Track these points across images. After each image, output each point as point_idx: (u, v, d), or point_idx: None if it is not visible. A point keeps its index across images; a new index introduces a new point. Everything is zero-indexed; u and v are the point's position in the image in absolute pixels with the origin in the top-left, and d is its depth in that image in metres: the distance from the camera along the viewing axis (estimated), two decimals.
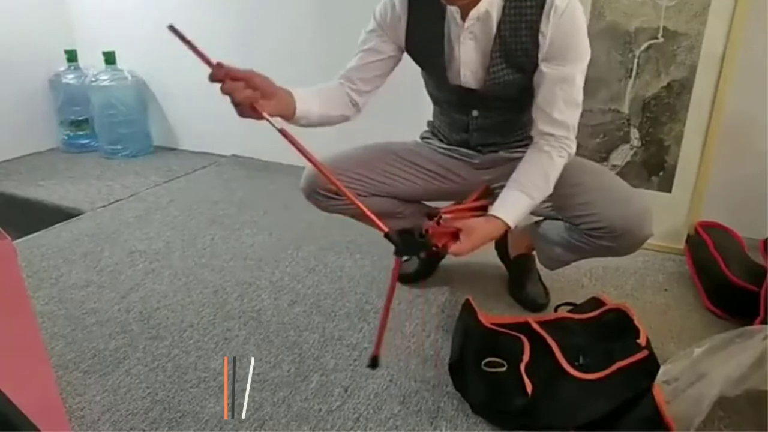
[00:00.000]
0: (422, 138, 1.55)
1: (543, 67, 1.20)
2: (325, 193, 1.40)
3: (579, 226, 1.30)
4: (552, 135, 1.22)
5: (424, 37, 1.30)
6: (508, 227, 1.19)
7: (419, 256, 1.60)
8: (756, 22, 1.70)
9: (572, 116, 1.22)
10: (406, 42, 1.32)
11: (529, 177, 1.22)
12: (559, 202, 1.33)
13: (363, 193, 1.39)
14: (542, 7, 1.16)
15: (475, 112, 1.36)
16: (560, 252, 1.44)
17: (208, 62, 1.05)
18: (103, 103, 2.90)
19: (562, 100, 1.20)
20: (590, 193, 1.28)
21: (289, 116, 1.22)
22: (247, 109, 1.09)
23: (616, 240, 1.27)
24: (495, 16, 1.20)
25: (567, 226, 1.36)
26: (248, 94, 1.07)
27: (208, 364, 1.36)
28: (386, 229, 1.00)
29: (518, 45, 1.21)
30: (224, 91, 1.06)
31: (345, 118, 1.35)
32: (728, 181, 1.87)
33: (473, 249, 1.16)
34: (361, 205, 1.02)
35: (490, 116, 1.36)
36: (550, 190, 1.23)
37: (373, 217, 1.01)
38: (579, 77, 1.20)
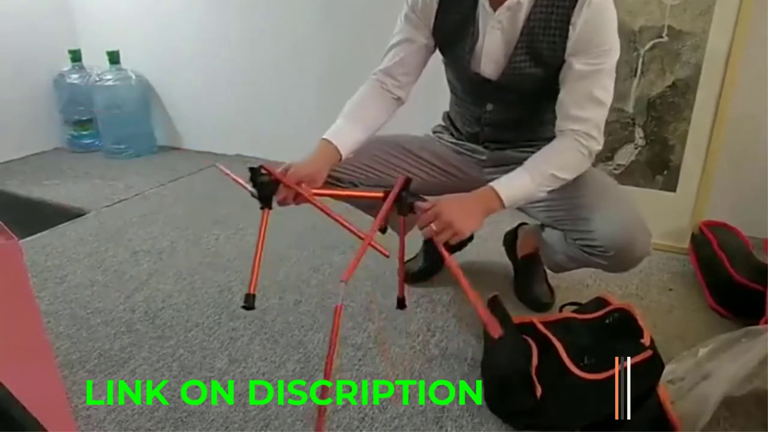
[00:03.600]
0: (434, 132, 1.55)
1: (569, 60, 1.19)
2: (329, 180, 1.35)
3: (576, 241, 1.29)
4: (572, 130, 1.20)
5: (452, 22, 1.29)
6: (501, 200, 1.16)
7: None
8: (761, 21, 1.70)
9: (595, 113, 1.19)
10: (434, 26, 1.32)
11: (538, 160, 1.21)
12: (558, 214, 1.32)
13: (368, 183, 1.40)
14: None
15: (489, 106, 1.36)
16: (562, 259, 1.43)
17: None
18: (107, 102, 2.91)
19: (584, 96, 1.18)
20: (589, 209, 1.25)
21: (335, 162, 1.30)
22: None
23: (609, 259, 1.26)
24: (526, 6, 1.18)
25: (565, 236, 1.35)
26: (299, 198, 1.25)
27: (213, 364, 1.36)
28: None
29: (546, 38, 1.19)
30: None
31: (392, 115, 1.39)
32: (733, 181, 1.86)
33: (456, 211, 1.11)
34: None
35: (503, 111, 1.35)
36: (556, 180, 1.20)
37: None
38: (605, 75, 1.18)
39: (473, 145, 1.45)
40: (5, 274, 0.87)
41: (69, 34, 3.07)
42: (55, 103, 3.05)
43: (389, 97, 1.36)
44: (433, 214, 1.11)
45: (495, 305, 1.41)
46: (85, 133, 3.10)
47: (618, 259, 1.25)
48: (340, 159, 1.28)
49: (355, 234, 1.20)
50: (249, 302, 1.15)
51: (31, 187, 2.57)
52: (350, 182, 1.39)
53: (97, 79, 2.90)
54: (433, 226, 1.11)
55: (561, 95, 1.21)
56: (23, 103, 2.95)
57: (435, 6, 1.29)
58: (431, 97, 1.60)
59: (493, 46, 1.25)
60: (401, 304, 1.40)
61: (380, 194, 1.19)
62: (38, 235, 2.07)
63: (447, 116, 1.54)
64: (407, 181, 1.17)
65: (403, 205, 1.18)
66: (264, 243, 1.20)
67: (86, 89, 2.95)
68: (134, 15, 2.93)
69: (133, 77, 2.93)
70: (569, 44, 1.17)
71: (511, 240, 1.72)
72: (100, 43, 2.92)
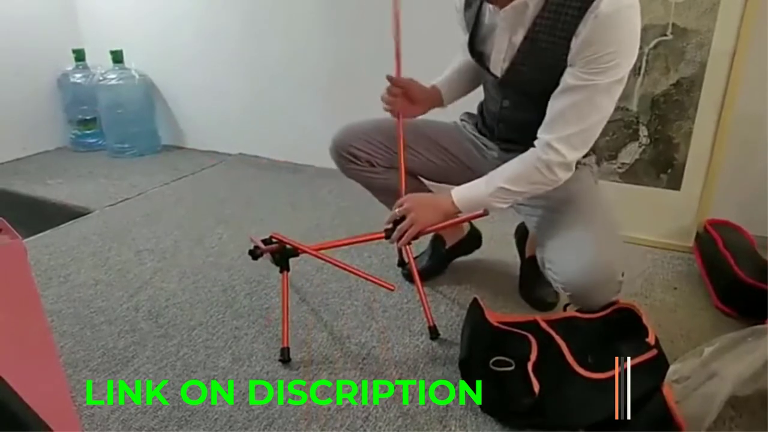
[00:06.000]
0: (461, 119, 1.57)
1: (567, 69, 1.14)
2: (347, 155, 1.49)
3: (544, 267, 1.28)
4: (540, 142, 1.17)
5: (471, 15, 1.31)
6: (454, 205, 1.24)
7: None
8: (766, 19, 1.69)
9: (572, 128, 1.14)
10: (463, 19, 1.36)
11: (497, 171, 1.23)
12: (536, 223, 1.36)
13: (384, 163, 1.48)
14: (586, 8, 1.07)
15: (506, 102, 1.36)
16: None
17: None
18: (110, 102, 2.92)
19: (565, 108, 1.14)
20: (557, 238, 1.23)
21: (440, 106, 1.48)
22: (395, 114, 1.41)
23: (570, 298, 1.28)
24: (532, 9, 1.15)
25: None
26: (400, 105, 1.40)
27: (216, 363, 1.36)
28: None
29: (549, 45, 1.14)
30: (385, 100, 1.40)
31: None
32: (738, 179, 1.86)
33: (414, 203, 1.26)
34: None
35: (517, 110, 1.34)
36: (508, 193, 1.20)
37: None
38: (599, 91, 1.11)
39: (489, 141, 1.45)
40: (10, 273, 0.87)
41: (72, 33, 3.08)
42: (58, 102, 3.06)
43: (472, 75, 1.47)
44: (400, 213, 1.27)
45: (474, 304, 1.43)
46: (88, 132, 3.11)
47: (574, 299, 1.26)
48: (442, 105, 1.47)
49: (374, 281, 1.45)
50: (285, 356, 1.36)
51: (35, 187, 2.57)
52: (367, 161, 1.48)
53: (101, 78, 2.90)
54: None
55: (549, 102, 1.18)
56: (27, 103, 2.96)
57: (462, 4, 1.34)
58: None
59: (500, 45, 1.25)
60: (434, 333, 1.44)
61: (381, 234, 1.33)
62: (42, 234, 2.07)
63: (479, 106, 1.54)
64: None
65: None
66: (288, 300, 1.43)
67: (90, 89, 2.96)
68: (138, 15, 2.94)
69: (137, 77, 2.93)
70: (570, 55, 1.12)
71: (522, 233, 1.71)
72: (104, 43, 2.93)
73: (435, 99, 1.46)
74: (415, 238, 1.28)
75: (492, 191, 1.21)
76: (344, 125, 1.52)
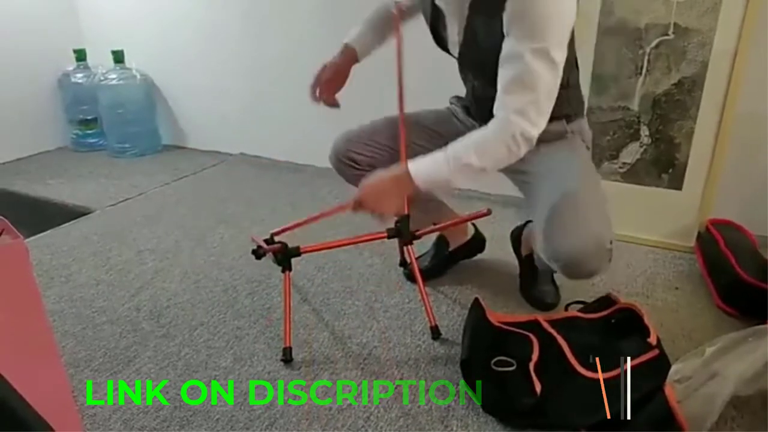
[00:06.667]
0: (450, 102, 1.57)
1: (504, 42, 1.14)
2: (347, 161, 1.49)
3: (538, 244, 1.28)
4: (498, 116, 1.16)
5: (428, 6, 1.33)
6: (411, 179, 1.18)
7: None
8: None
9: (517, 98, 1.13)
10: (423, 10, 1.37)
11: (458, 146, 1.18)
12: (526, 190, 1.36)
13: (387, 164, 1.40)
14: None
15: (476, 83, 1.37)
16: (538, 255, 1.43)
17: None
18: (111, 101, 2.92)
19: (509, 78, 1.13)
20: (546, 216, 1.21)
21: (357, 62, 1.51)
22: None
23: (561, 270, 1.24)
24: None
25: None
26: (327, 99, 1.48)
27: (218, 363, 1.36)
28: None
29: (485, 24, 1.17)
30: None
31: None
32: (739, 179, 1.85)
33: (375, 196, 1.22)
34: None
35: (485, 90, 1.29)
36: (472, 169, 1.16)
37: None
38: (530, 57, 1.09)
39: (472, 121, 1.45)
40: (11, 273, 0.87)
41: (74, 33, 3.08)
42: (59, 102, 3.06)
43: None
44: (356, 204, 1.23)
45: (475, 304, 1.43)
46: (89, 132, 3.11)
47: (565, 270, 1.24)
48: (359, 60, 1.50)
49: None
50: (287, 355, 1.36)
51: (36, 187, 2.58)
52: (369, 164, 1.45)
53: (102, 78, 2.90)
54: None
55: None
56: (28, 103, 2.96)
57: None
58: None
59: (450, 27, 1.28)
60: (436, 333, 1.44)
61: (383, 234, 1.44)
62: (43, 234, 2.07)
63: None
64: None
65: (405, 236, 1.46)
66: (290, 300, 1.43)
67: (91, 88, 2.95)
68: (139, 14, 2.94)
69: (138, 76, 2.93)
70: (504, 28, 1.13)
71: (516, 236, 1.71)
72: (105, 43, 2.93)
73: (351, 61, 1.50)
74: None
75: (455, 169, 1.17)
76: (341, 133, 1.51)
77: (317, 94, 1.48)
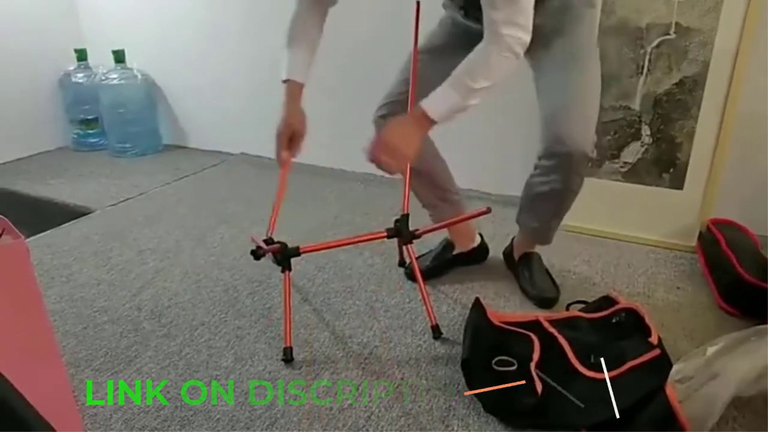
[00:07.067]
0: (443, 6, 1.55)
1: None
2: (378, 120, 1.55)
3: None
4: (490, 32, 1.19)
5: None
6: (428, 117, 1.21)
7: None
8: None
9: (510, 12, 1.16)
10: None
11: (461, 71, 1.22)
12: (540, 77, 1.43)
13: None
14: None
15: None
16: (534, 222, 1.56)
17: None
18: (112, 101, 2.92)
19: None
20: (552, 89, 1.36)
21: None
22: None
23: (547, 138, 1.35)
24: None
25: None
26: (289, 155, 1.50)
27: (219, 362, 1.36)
28: None
29: None
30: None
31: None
32: (741, 178, 1.85)
33: (390, 138, 1.23)
34: None
35: None
36: (483, 84, 1.20)
37: None
38: None
39: (471, 22, 1.44)
40: (12, 273, 0.87)
41: (74, 33, 3.08)
42: (60, 102, 3.06)
43: (324, 17, 1.51)
44: (377, 150, 1.22)
45: (476, 304, 1.44)
46: (90, 132, 3.11)
47: (550, 135, 1.34)
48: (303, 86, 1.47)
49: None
50: (287, 355, 1.36)
51: (36, 186, 2.57)
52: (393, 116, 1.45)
53: (103, 78, 2.90)
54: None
55: None
56: (29, 103, 2.96)
57: None
58: None
59: None
60: (437, 332, 1.44)
61: (383, 234, 1.46)
62: (44, 234, 2.07)
63: None
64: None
65: (405, 235, 1.46)
66: (291, 300, 1.43)
67: (92, 88, 2.95)
68: (140, 14, 2.94)
69: (139, 76, 2.93)
70: None
71: (508, 252, 1.74)
72: (106, 42, 2.93)
73: (300, 96, 1.49)
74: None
75: (467, 95, 1.21)
76: (383, 98, 1.57)
77: (284, 157, 1.49)
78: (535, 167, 1.45)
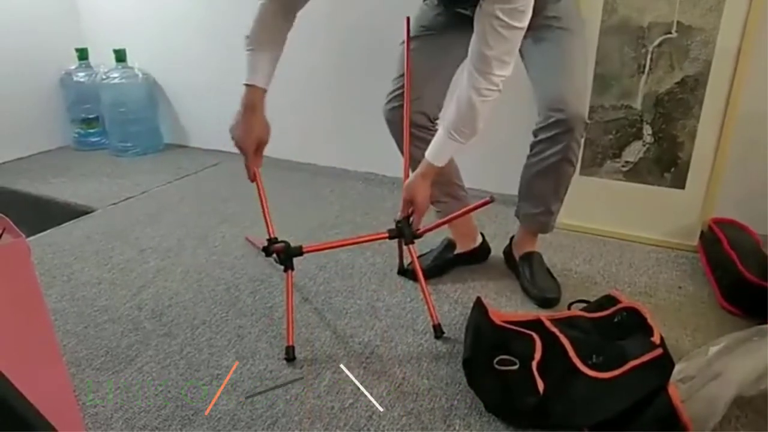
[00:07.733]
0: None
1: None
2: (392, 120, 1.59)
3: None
4: (479, 70, 1.24)
5: None
6: (434, 166, 1.36)
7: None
8: None
9: (502, 51, 1.21)
10: None
11: (452, 120, 1.31)
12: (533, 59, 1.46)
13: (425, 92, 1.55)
14: None
15: None
16: (534, 208, 1.57)
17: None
18: (113, 100, 2.92)
19: (488, 33, 1.20)
20: (546, 70, 1.41)
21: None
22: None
23: (542, 109, 1.39)
24: None
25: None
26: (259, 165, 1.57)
27: (220, 362, 1.36)
28: None
29: None
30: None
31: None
32: (743, 177, 1.85)
33: (412, 193, 1.39)
34: None
35: None
36: (474, 129, 1.31)
37: None
38: (502, 13, 1.17)
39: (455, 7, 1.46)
40: (14, 272, 0.87)
41: (75, 32, 3.08)
42: (61, 101, 3.06)
43: (290, 24, 1.53)
44: (407, 207, 1.43)
45: (477, 303, 1.43)
46: (91, 131, 3.11)
47: (545, 109, 1.39)
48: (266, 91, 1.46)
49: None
50: (289, 354, 1.35)
51: (38, 186, 2.58)
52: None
53: (104, 77, 2.90)
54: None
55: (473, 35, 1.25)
56: (30, 102, 2.96)
57: None
58: None
59: None
60: (438, 331, 1.43)
61: (384, 234, 1.49)
62: (45, 233, 2.07)
63: None
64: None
65: (407, 235, 1.48)
66: (292, 299, 1.44)
67: (93, 87, 2.95)
68: (141, 13, 2.94)
69: (140, 75, 2.93)
70: None
71: (508, 251, 1.74)
72: (107, 42, 2.93)
73: (263, 103, 1.51)
74: None
75: (461, 138, 1.32)
76: (388, 95, 1.60)
77: (255, 171, 1.57)
78: (532, 148, 1.48)
